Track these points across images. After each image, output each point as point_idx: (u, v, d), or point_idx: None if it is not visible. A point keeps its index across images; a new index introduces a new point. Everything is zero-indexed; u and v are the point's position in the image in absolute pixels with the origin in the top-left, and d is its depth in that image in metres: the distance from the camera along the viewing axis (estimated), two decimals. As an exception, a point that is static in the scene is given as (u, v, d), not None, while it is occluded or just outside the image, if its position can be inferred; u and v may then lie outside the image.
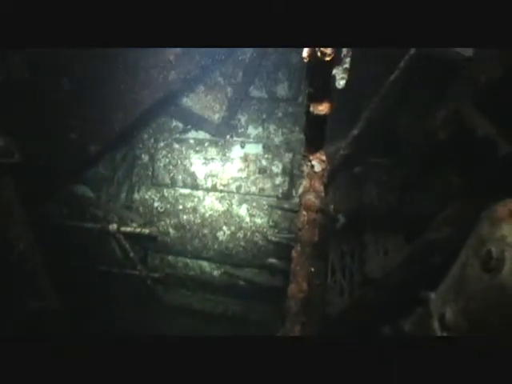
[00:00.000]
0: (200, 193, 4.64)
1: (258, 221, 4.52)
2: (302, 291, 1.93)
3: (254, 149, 4.54)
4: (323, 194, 1.96)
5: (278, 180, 4.46)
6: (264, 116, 4.58)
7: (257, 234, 4.53)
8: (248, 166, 4.52)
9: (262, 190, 4.50)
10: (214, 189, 4.59)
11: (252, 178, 4.50)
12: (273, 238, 4.48)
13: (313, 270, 1.95)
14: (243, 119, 4.55)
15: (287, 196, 4.46)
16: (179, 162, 4.62)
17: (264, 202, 4.49)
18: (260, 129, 4.59)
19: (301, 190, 1.97)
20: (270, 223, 4.50)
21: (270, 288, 4.72)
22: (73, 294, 4.52)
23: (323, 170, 1.95)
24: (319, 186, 1.94)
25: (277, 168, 4.47)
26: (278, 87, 4.59)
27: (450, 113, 2.81)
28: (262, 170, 4.49)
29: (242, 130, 4.56)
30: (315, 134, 1.88)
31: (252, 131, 4.57)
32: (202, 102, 4.45)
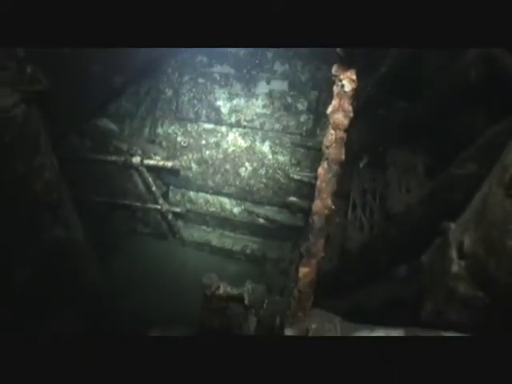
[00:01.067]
0: (223, 128, 4.62)
1: (281, 158, 4.50)
2: (326, 207, 1.94)
3: (279, 85, 4.47)
4: (351, 114, 1.94)
5: (303, 118, 4.41)
6: (291, 53, 4.48)
7: (279, 171, 4.52)
8: (273, 103, 4.47)
9: (285, 127, 4.47)
10: (237, 124, 4.57)
11: (276, 114, 4.46)
12: (295, 176, 4.48)
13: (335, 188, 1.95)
14: (269, 55, 4.45)
15: (311, 134, 4.42)
16: (203, 96, 4.59)
17: (287, 140, 4.46)
18: (286, 65, 4.49)
19: (330, 109, 1.95)
20: (293, 161, 4.48)
21: (289, 227, 4.75)
22: (96, 227, 4.63)
23: (353, 89, 1.92)
24: (348, 106, 1.92)
25: (302, 105, 4.42)
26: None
27: (481, 52, 2.74)
28: (287, 107, 4.43)
29: (268, 65, 4.46)
30: (347, 52, 1.85)
31: (278, 67, 4.48)
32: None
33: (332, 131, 1.90)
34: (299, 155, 4.47)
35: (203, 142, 4.66)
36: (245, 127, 4.56)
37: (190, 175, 4.79)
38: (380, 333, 1.96)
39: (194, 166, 4.75)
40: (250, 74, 4.50)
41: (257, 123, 4.52)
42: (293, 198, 4.59)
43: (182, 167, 4.72)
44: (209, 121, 4.62)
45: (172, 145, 4.73)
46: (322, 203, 1.92)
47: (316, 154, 4.43)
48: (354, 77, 1.89)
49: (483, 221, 1.82)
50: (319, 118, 4.39)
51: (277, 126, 4.46)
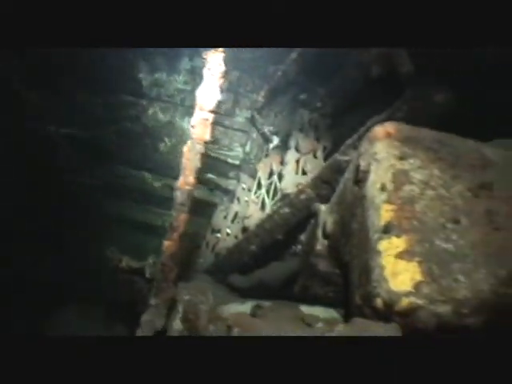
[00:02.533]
0: (144, 101, 4.61)
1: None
2: (188, 184, 2.03)
3: (201, 63, 4.49)
4: (219, 96, 2.03)
5: (222, 96, 4.46)
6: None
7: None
8: (194, 79, 4.48)
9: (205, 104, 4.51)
10: (158, 99, 4.57)
11: (197, 91, 4.49)
12: (212, 154, 4.54)
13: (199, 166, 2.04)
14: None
15: (230, 113, 4.48)
16: (126, 68, 4.55)
17: (206, 117, 4.51)
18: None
19: (198, 90, 2.03)
20: (211, 139, 4.53)
21: (206, 203, 4.82)
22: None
23: (220, 73, 2.01)
24: (216, 89, 2.01)
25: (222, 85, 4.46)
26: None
27: (381, 50, 2.87)
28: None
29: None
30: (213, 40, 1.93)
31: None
32: None
33: (198, 112, 1.98)
34: (217, 133, 4.53)
35: (123, 114, 4.65)
36: (165, 102, 4.57)
37: (110, 148, 4.78)
38: (248, 306, 2.09)
39: (114, 138, 4.73)
40: (174, 50, 4.50)
41: (177, 99, 4.53)
42: (210, 175, 4.66)
43: (100, 139, 4.69)
44: (130, 93, 4.61)
45: (91, 116, 4.69)
46: (184, 180, 2.01)
47: (234, 133, 4.51)
48: (221, 61, 1.97)
49: (341, 203, 1.97)
50: (238, 98, 4.45)
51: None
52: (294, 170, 3.14)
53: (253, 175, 4.07)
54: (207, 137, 2.04)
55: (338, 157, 2.56)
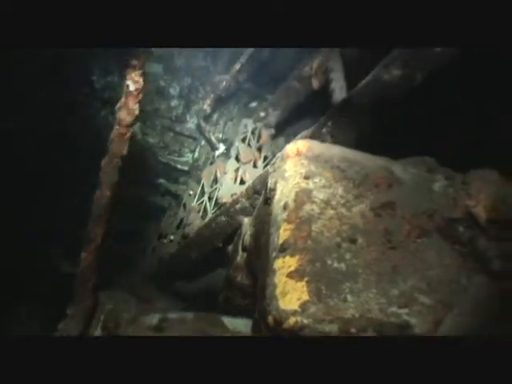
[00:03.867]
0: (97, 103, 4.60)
1: (150, 140, 4.55)
2: (104, 197, 2.05)
3: (154, 68, 4.49)
4: (137, 112, 2.04)
5: (174, 103, 4.48)
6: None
7: (148, 152, 4.58)
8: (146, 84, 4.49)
9: (157, 110, 4.51)
10: (109, 101, 4.55)
11: (148, 96, 4.48)
12: (162, 159, 4.55)
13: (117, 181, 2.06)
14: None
15: (181, 119, 4.50)
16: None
17: (158, 122, 4.51)
18: (164, 49, 4.52)
19: (117, 105, 2.05)
20: (161, 144, 4.55)
21: (158, 208, 4.83)
22: None
23: (137, 89, 2.03)
24: (133, 104, 2.02)
25: (174, 91, 4.47)
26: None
27: (319, 64, 2.93)
28: (160, 91, 4.48)
29: (143, 46, 4.47)
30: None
31: (155, 49, 4.49)
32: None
33: (116, 126, 2.00)
34: (168, 139, 4.54)
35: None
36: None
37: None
38: (172, 315, 2.10)
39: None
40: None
41: (128, 103, 4.53)
42: (161, 180, 4.68)
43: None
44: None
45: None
46: (100, 193, 2.02)
47: (184, 139, 4.54)
48: (139, 78, 1.99)
49: (257, 218, 2.00)
50: (189, 104, 4.47)
51: (148, 107, 4.49)
52: (232, 179, 3.17)
53: (199, 182, 4.09)
54: (125, 152, 2.05)
55: (268, 168, 2.59)
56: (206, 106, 4.05)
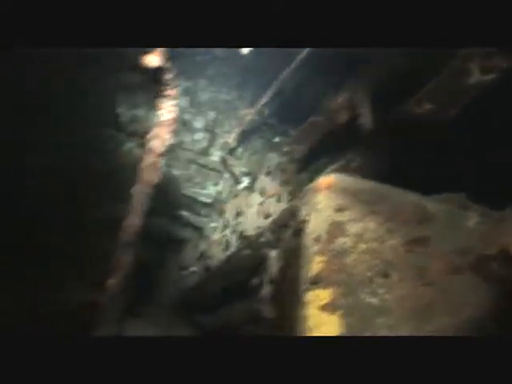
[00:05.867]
0: (122, 136, 4.66)
1: (174, 172, 4.59)
2: (134, 226, 2.07)
3: (180, 101, 4.56)
4: (168, 142, 2.07)
5: (198, 136, 4.53)
6: (196, 71, 4.60)
7: (171, 184, 4.61)
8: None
9: (181, 142, 4.56)
10: (135, 134, 4.62)
11: (147, 136, 4.53)
12: (185, 192, 4.58)
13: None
14: (175, 70, 4.54)
15: (205, 152, 4.54)
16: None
17: (181, 155, 4.56)
18: (190, 82, 4.61)
19: (149, 134, 2.08)
20: (185, 176, 4.58)
21: (178, 239, 4.83)
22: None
23: (170, 119, 2.06)
24: (165, 134, 2.05)
25: (199, 124, 4.53)
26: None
27: (345, 98, 2.95)
28: (184, 123, 4.54)
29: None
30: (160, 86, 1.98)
31: (182, 82, 4.58)
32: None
33: (148, 155, 2.03)
34: (192, 171, 4.58)
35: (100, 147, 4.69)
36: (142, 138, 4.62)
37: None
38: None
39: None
40: (154, 86, 4.57)
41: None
42: (184, 212, 4.69)
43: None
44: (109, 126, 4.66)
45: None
46: (132, 221, 2.04)
47: (207, 172, 4.57)
48: (172, 108, 2.03)
49: (286, 251, 1.99)
50: (214, 137, 4.52)
51: (173, 139, 4.54)
52: (256, 213, 3.18)
53: (222, 215, 4.10)
54: (156, 180, 2.09)
55: (295, 202, 2.59)
56: (231, 140, 4.09)
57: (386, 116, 2.46)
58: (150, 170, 2.05)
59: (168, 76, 2.17)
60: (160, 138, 2.07)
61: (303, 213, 1.76)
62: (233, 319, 3.32)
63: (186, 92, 4.59)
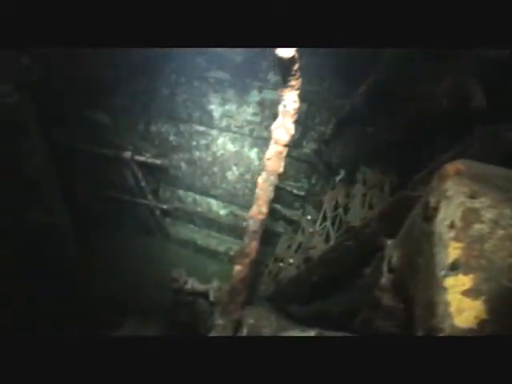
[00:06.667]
0: (214, 131, 4.78)
1: (267, 165, 4.64)
2: (261, 213, 2.11)
3: (270, 95, 4.61)
4: (292, 132, 2.10)
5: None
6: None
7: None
8: (263, 112, 4.63)
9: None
10: (227, 129, 4.73)
11: (265, 123, 4.61)
12: (278, 185, 4.61)
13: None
14: (264, 64, 4.59)
15: (297, 145, 4.56)
16: (197, 99, 4.75)
17: (281, 150, 4.59)
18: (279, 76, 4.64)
19: (273, 125, 2.11)
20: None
21: (271, 232, 4.89)
22: (82, 215, 4.82)
23: (294, 109, 2.09)
24: (290, 124, 2.08)
25: (291, 117, 4.55)
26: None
27: (454, 83, 2.87)
28: (276, 117, 4.58)
29: (262, 75, 4.61)
30: (287, 76, 2.01)
31: (271, 77, 4.62)
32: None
33: (273, 145, 2.06)
34: (284, 164, 4.61)
35: (194, 143, 4.84)
36: (234, 132, 4.72)
37: (180, 174, 4.98)
38: (311, 333, 2.12)
39: (183, 165, 4.93)
40: (244, 82, 4.66)
41: (246, 130, 4.68)
42: (276, 205, 4.74)
43: (171, 166, 4.90)
44: (201, 123, 4.79)
45: (163, 143, 4.92)
46: (257, 209, 2.08)
47: (300, 165, 4.60)
48: (296, 98, 2.05)
49: (409, 238, 1.97)
50: (306, 130, 4.53)
51: (265, 134, 4.60)
52: (360, 204, 3.16)
53: (317, 207, 4.11)
54: (281, 169, 2.12)
55: (406, 192, 2.56)
56: (329, 131, 4.09)
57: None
58: (275, 159, 2.09)
59: (295, 66, 2.20)
60: (285, 128, 2.10)
61: (433, 200, 1.73)
62: (330, 310, 3.33)
63: (276, 86, 4.62)
